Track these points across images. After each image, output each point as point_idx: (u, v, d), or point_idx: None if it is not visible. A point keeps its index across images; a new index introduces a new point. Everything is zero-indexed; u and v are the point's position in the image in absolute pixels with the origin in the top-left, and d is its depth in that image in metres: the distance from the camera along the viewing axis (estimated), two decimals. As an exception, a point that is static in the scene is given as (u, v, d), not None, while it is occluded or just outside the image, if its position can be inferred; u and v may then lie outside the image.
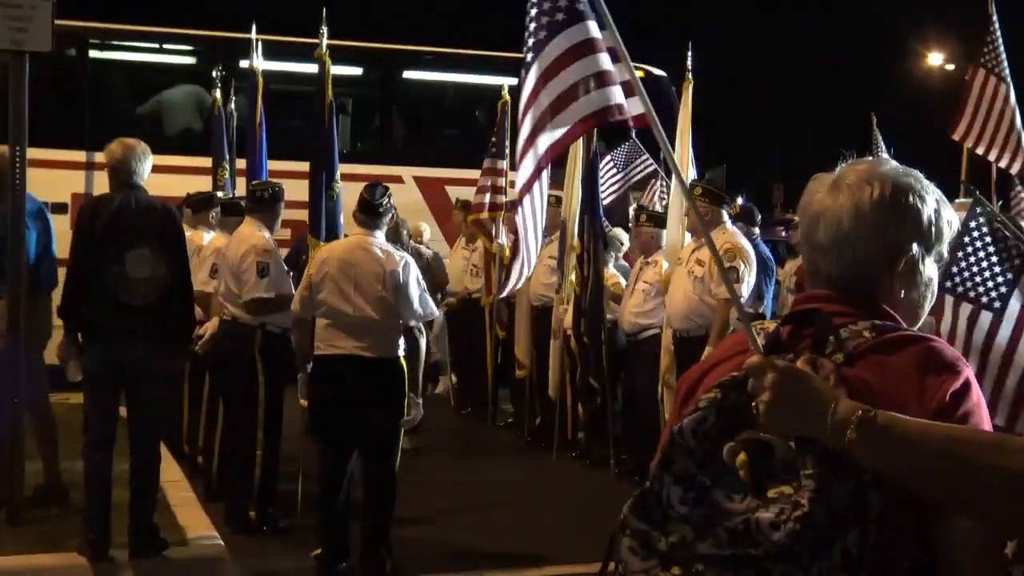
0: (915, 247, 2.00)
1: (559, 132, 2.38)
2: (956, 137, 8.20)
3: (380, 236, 6.65)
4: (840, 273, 2.01)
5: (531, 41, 2.50)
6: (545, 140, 2.40)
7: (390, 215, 6.77)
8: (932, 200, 2.02)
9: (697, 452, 1.83)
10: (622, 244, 10.70)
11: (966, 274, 3.77)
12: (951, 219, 2.05)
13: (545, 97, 2.40)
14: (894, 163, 2.08)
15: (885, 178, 2.00)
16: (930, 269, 2.04)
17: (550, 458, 9.73)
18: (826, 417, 1.76)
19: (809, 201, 2.05)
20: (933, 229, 2.02)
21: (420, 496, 8.01)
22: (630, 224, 10.59)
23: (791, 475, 1.77)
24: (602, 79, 2.36)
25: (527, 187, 2.38)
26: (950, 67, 33.24)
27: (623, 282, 9.72)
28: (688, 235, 8.46)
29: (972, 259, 3.75)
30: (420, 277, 6.71)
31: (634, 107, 2.39)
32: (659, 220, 9.16)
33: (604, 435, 9.42)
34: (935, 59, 33.16)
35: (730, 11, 29.66)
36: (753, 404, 1.81)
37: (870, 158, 2.11)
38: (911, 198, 2.00)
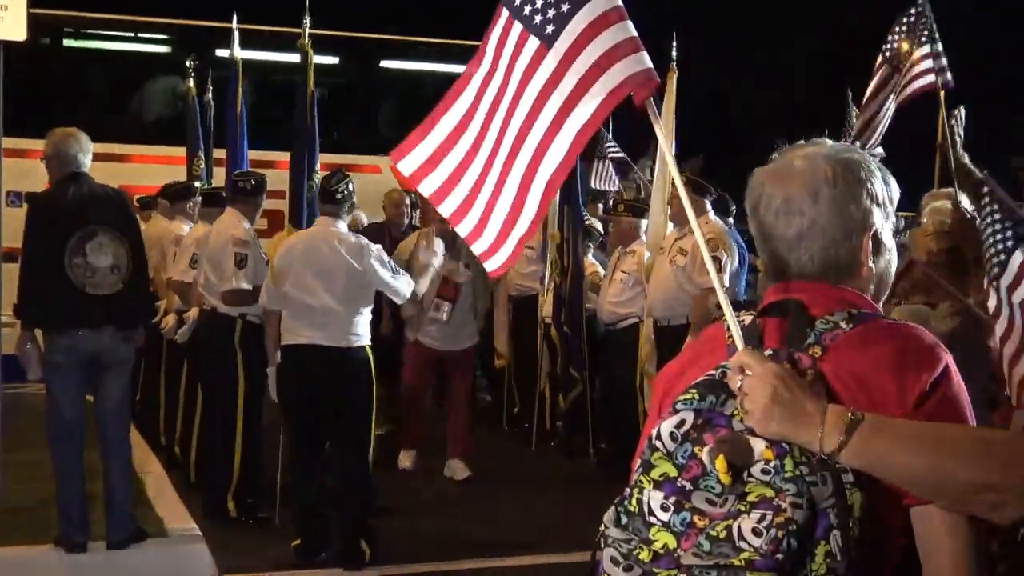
0: (877, 219, 2.00)
1: (594, 104, 2.28)
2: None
3: (342, 225, 6.65)
4: (811, 261, 1.98)
5: (551, 13, 2.38)
6: (581, 115, 2.30)
7: (350, 202, 6.74)
8: (877, 170, 2.02)
9: (675, 455, 1.80)
10: (601, 234, 10.71)
11: (989, 259, 3.88)
12: (893, 184, 2.05)
13: (574, 73, 2.29)
14: (830, 142, 2.06)
15: (832, 158, 1.99)
16: (889, 239, 2.04)
17: (529, 448, 9.74)
18: (816, 423, 1.76)
19: (760, 195, 2.02)
20: (888, 198, 2.02)
21: (398, 486, 8.01)
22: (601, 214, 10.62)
23: (771, 476, 1.74)
24: (632, 45, 2.27)
25: (565, 165, 2.24)
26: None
27: (601, 271, 9.74)
28: (671, 224, 8.47)
29: (988, 242, 3.87)
30: (385, 258, 6.73)
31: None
32: (637, 210, 9.17)
33: (583, 424, 9.44)
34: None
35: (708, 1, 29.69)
36: (739, 403, 1.80)
37: (804, 142, 2.08)
38: (862, 172, 1.99)
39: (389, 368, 8.72)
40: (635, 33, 2.28)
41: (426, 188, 2.64)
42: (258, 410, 7.37)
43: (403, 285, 6.80)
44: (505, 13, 2.44)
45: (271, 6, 12.02)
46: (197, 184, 9.80)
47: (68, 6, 13.11)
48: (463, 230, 2.60)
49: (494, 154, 2.49)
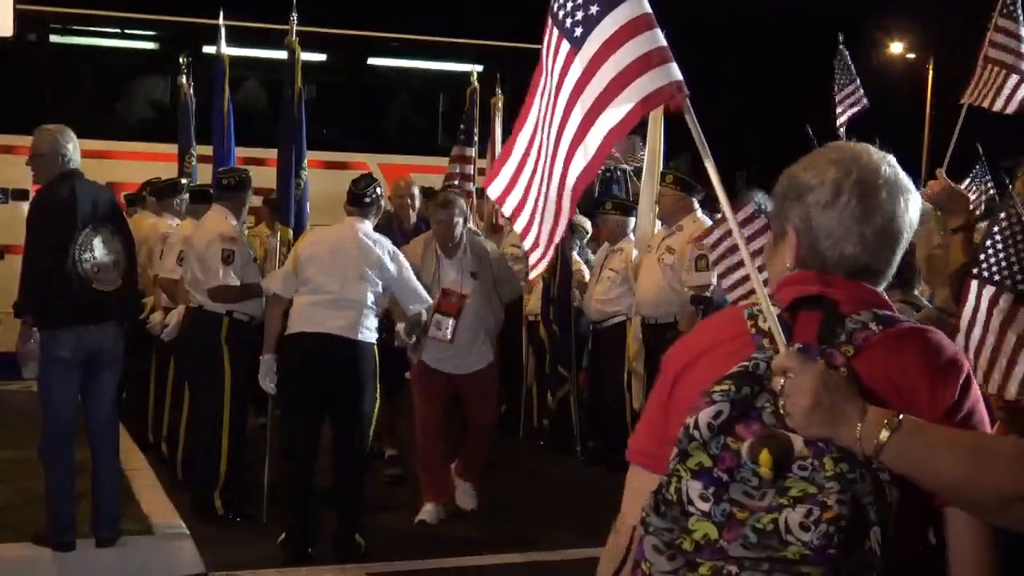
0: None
1: (622, 111, 2.25)
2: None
3: (368, 226, 6.74)
4: (879, 261, 2.04)
5: (579, 15, 2.35)
6: (607, 121, 2.28)
7: (377, 205, 6.83)
8: None
9: (710, 445, 1.82)
10: (587, 232, 10.72)
11: (992, 260, 3.90)
12: None
13: (601, 79, 2.26)
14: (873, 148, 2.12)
15: (898, 168, 2.07)
16: None
17: (516, 446, 9.75)
18: (856, 424, 1.79)
19: (865, 180, 2.02)
20: None
21: (383, 483, 8.02)
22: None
23: (809, 473, 1.78)
24: (661, 55, 2.23)
25: (591, 169, 2.22)
26: (911, 56, 33.45)
27: (586, 270, 9.76)
28: (659, 223, 8.49)
29: (1000, 246, 3.89)
30: (409, 266, 6.81)
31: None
32: (625, 208, 9.18)
33: (570, 422, 9.45)
34: (896, 48, 33.41)
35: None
36: (780, 405, 1.82)
37: (859, 144, 2.13)
38: None
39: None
40: (664, 42, 2.23)
41: (507, 208, 2.68)
42: (245, 407, 7.36)
43: (424, 293, 6.88)
44: (549, 21, 2.43)
45: (258, 3, 12.00)
46: (185, 180, 9.79)
47: (54, 2, 13.06)
48: (518, 226, 2.65)
49: (543, 161, 2.51)
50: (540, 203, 2.54)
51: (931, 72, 30.21)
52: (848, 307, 1.98)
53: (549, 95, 2.46)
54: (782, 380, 1.83)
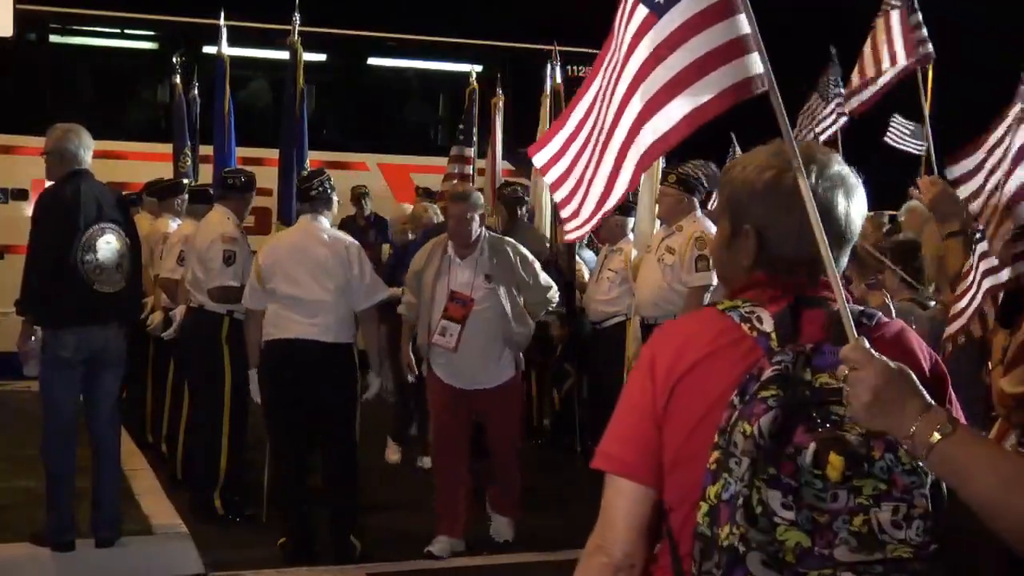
0: None
1: (700, 101, 2.14)
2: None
3: (324, 220, 6.68)
4: (840, 260, 2.09)
5: None
6: (681, 107, 2.16)
7: (326, 198, 6.70)
8: None
9: (769, 452, 1.82)
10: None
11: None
12: None
13: (678, 60, 2.15)
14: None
15: None
16: None
17: (516, 445, 9.73)
18: (912, 423, 1.79)
19: (826, 180, 2.06)
20: None
21: (388, 484, 8.01)
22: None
23: (867, 467, 1.80)
24: (744, 45, 2.12)
25: (661, 145, 2.08)
26: (912, 56, 33.42)
27: (586, 270, 9.74)
28: (658, 223, 8.47)
29: None
30: (367, 261, 6.72)
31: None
32: (624, 208, 9.16)
33: (571, 422, 9.44)
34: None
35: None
36: (844, 392, 1.82)
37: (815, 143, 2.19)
38: None
39: None
40: (748, 29, 2.16)
41: (550, 177, 2.65)
42: (245, 407, 7.35)
43: (382, 289, 6.74)
44: None
45: (259, 3, 11.99)
46: (186, 181, 9.78)
47: (54, 2, 13.06)
48: (558, 196, 2.61)
49: (598, 131, 2.44)
50: (588, 174, 2.47)
51: (931, 72, 30.17)
52: (833, 304, 2.01)
53: (616, 64, 2.36)
54: (847, 370, 1.83)
